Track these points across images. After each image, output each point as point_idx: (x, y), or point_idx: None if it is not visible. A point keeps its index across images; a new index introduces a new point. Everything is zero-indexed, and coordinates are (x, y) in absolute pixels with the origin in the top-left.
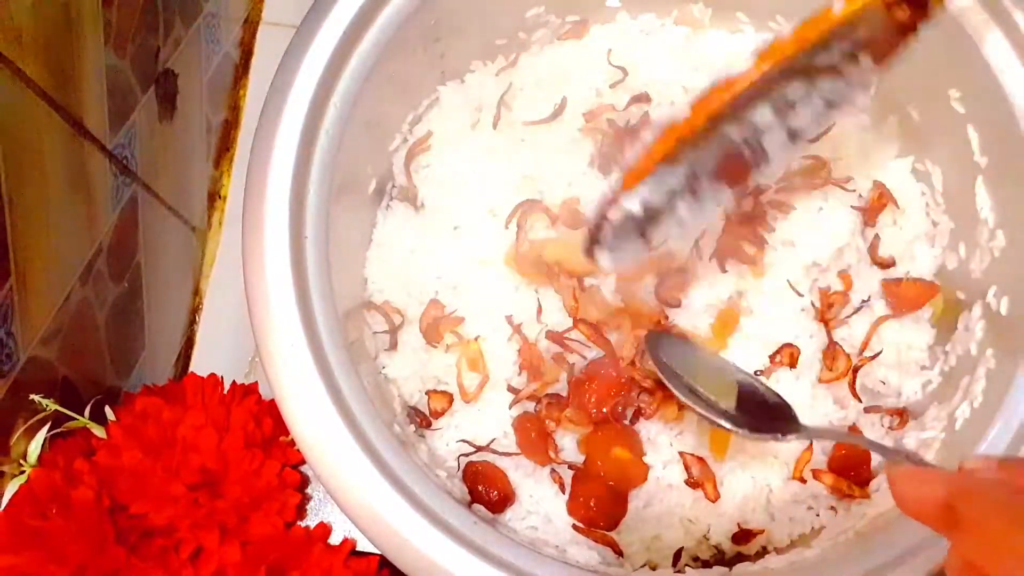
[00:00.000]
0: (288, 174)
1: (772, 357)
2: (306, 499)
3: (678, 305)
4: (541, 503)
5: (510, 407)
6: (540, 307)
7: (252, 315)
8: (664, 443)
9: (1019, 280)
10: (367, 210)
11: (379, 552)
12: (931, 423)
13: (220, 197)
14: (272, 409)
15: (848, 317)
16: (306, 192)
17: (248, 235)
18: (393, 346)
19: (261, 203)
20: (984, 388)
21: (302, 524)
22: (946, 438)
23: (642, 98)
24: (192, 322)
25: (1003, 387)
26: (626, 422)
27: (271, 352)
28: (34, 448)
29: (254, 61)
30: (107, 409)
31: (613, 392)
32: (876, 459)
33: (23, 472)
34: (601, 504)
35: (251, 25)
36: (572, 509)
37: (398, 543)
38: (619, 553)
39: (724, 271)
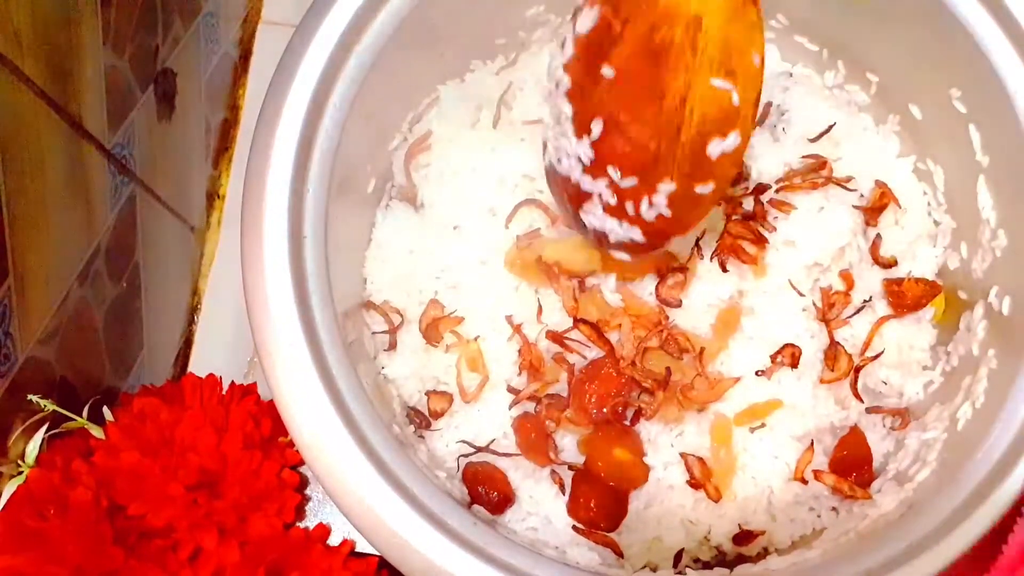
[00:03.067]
0: (287, 173)
1: (773, 357)
2: (305, 500)
3: (678, 305)
4: (541, 504)
5: (510, 407)
6: (540, 307)
7: (251, 315)
8: (665, 444)
9: (1021, 280)
10: (366, 210)
11: (378, 553)
12: (933, 424)
13: (219, 197)
14: (271, 410)
15: (849, 317)
16: (305, 191)
17: (247, 235)
18: (392, 346)
19: (260, 203)
20: (986, 388)
21: (301, 525)
22: (948, 439)
23: None
24: (191, 322)
25: (1005, 387)
26: (626, 423)
27: (270, 352)
28: (32, 449)
29: (253, 60)
30: (105, 409)
31: (613, 392)
32: (878, 460)
33: (21, 473)
34: (601, 505)
35: (250, 24)
36: (572, 510)
37: (397, 544)
38: (620, 554)
39: (725, 271)
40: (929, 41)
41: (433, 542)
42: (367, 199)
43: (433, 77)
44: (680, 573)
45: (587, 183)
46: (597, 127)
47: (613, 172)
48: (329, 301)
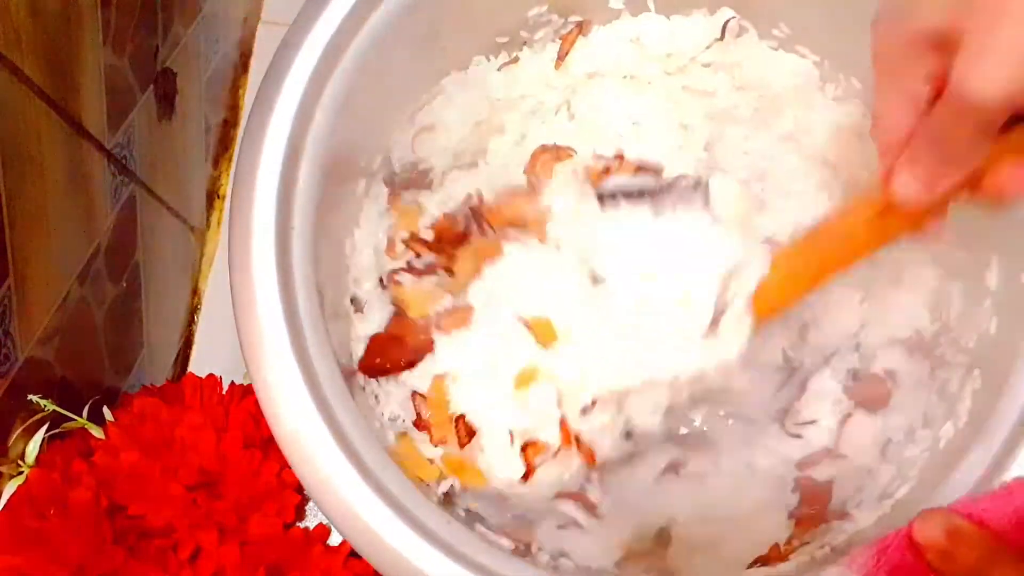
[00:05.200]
0: (277, 165)
1: None
2: (305, 500)
3: None
4: None
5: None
6: None
7: (235, 306)
8: None
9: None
10: (358, 204)
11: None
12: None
13: (219, 197)
14: None
15: None
16: (295, 183)
17: (235, 226)
18: None
19: (251, 193)
20: (969, 408)
21: (301, 525)
22: (929, 458)
23: None
24: (191, 322)
25: (988, 407)
26: None
27: (251, 341)
28: (32, 449)
29: (253, 61)
30: (105, 409)
31: None
32: None
33: (21, 473)
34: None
35: (250, 25)
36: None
37: (369, 538)
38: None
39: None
40: None
41: (405, 538)
42: (360, 193)
43: (433, 73)
44: None
45: None
46: None
47: None
48: (315, 294)
